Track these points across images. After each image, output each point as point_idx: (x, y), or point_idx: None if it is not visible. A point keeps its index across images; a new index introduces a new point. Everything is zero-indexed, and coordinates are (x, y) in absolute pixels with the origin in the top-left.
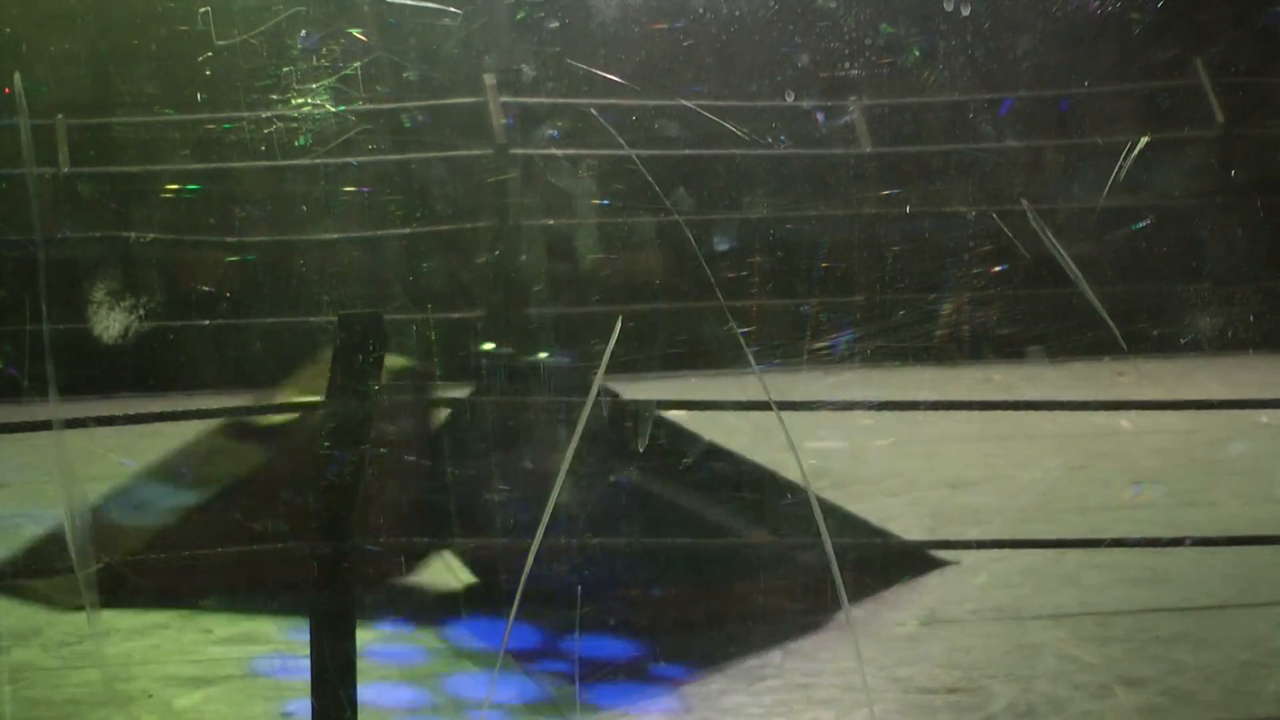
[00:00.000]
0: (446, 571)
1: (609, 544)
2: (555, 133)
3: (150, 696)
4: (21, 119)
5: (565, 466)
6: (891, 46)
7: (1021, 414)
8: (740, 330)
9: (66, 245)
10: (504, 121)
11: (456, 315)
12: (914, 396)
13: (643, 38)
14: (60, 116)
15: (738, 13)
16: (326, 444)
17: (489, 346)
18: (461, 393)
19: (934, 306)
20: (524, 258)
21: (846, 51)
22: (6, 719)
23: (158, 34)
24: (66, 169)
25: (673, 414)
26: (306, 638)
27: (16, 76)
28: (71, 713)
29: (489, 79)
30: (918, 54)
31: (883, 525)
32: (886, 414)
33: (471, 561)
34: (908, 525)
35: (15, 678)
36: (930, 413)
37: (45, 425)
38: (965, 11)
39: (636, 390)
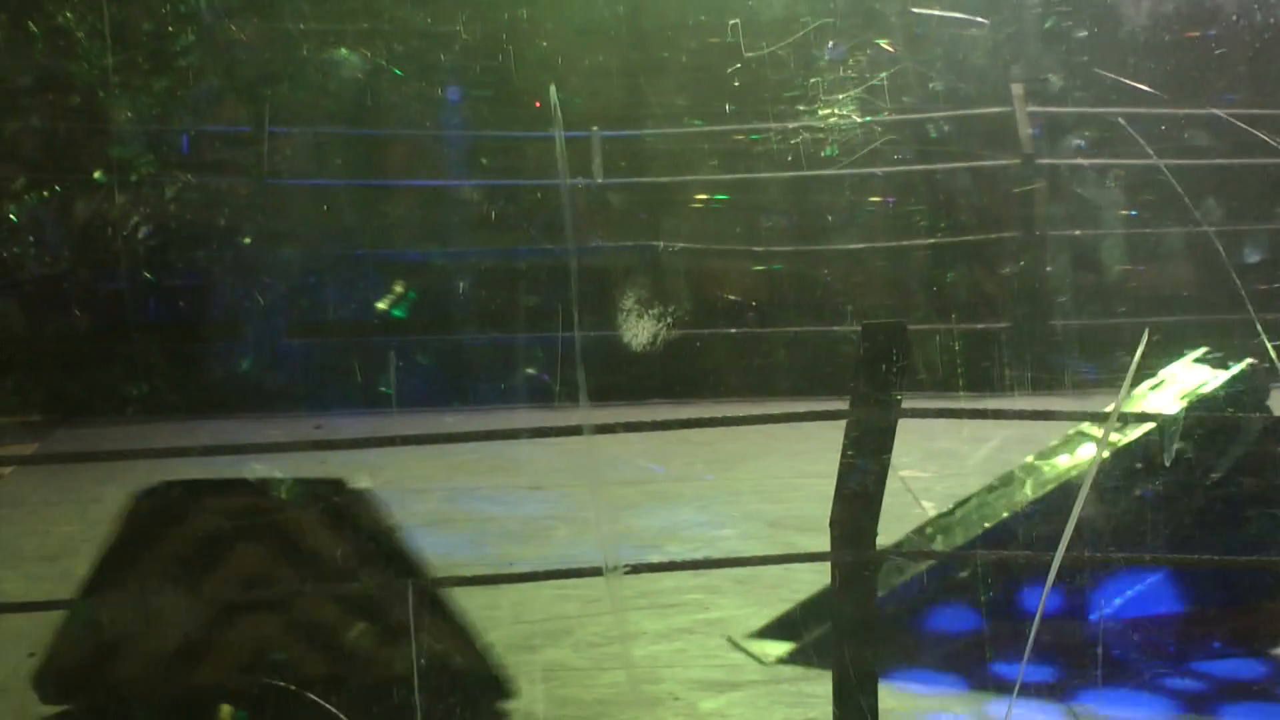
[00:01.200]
0: None
1: (1133, 560)
2: (1082, 142)
3: (676, 699)
4: (557, 131)
5: (1089, 482)
6: None
7: None
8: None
9: (599, 254)
10: (1031, 131)
11: (980, 326)
12: None
13: (1173, 46)
14: (595, 129)
15: (1272, 19)
16: (850, 453)
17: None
18: None
19: None
20: (1049, 268)
21: None
22: (539, 717)
23: (688, 46)
24: (600, 179)
25: None
26: (828, 646)
27: (552, 90)
28: (600, 712)
29: (1016, 88)
30: None
31: None
32: None
33: None
34: None
35: (547, 676)
36: None
37: (576, 431)
38: None
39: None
